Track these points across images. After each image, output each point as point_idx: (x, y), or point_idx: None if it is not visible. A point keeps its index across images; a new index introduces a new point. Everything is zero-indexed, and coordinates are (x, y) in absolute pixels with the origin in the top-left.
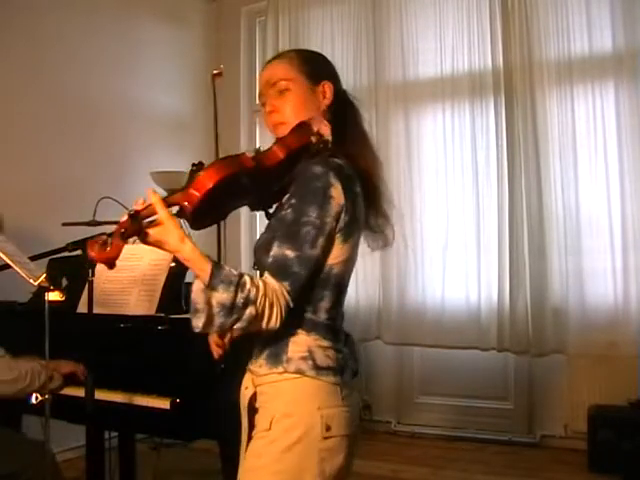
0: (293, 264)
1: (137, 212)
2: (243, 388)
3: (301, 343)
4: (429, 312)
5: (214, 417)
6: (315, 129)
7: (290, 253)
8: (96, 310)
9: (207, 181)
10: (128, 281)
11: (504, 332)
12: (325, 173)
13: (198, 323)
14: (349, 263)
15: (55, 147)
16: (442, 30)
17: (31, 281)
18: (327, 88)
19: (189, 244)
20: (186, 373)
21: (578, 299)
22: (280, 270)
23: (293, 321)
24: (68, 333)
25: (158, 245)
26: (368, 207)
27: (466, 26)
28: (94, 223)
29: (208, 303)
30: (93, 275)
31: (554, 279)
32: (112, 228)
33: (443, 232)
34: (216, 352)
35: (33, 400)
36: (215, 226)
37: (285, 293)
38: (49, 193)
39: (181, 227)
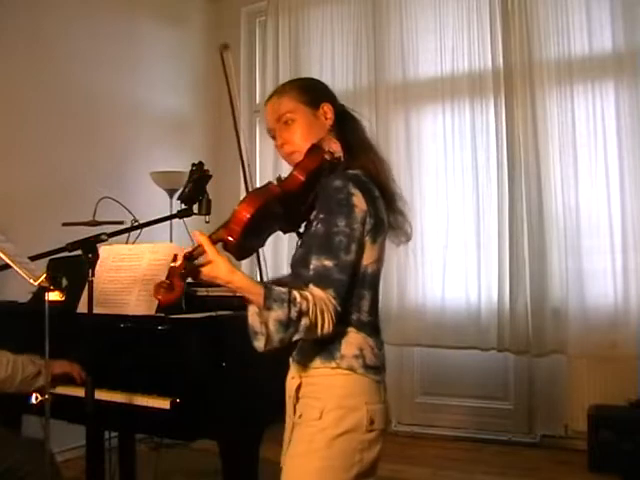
0: (333, 272)
1: (191, 254)
2: (289, 378)
3: (353, 342)
4: (429, 312)
5: (214, 417)
6: (326, 148)
7: (329, 263)
8: (96, 310)
9: (244, 214)
10: (128, 281)
11: (504, 332)
12: (345, 185)
13: (260, 345)
14: (380, 262)
15: (55, 147)
16: (442, 30)
17: (31, 281)
18: (327, 109)
19: (239, 274)
20: (186, 373)
21: (578, 299)
22: (323, 279)
23: (343, 322)
24: (68, 333)
25: (211, 280)
26: (387, 207)
27: (466, 26)
28: (94, 223)
29: (265, 324)
30: (93, 275)
31: (554, 279)
32: (112, 228)
33: (443, 232)
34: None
35: (33, 400)
36: None
37: (332, 299)
38: (49, 193)
39: (229, 260)
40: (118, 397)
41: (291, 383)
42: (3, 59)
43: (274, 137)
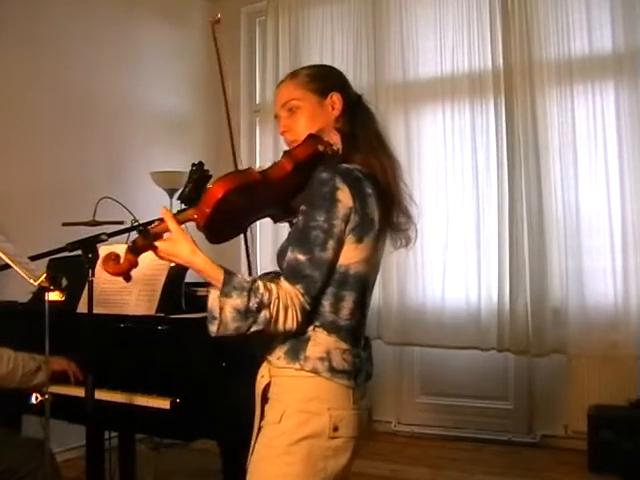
0: (305, 267)
1: (145, 228)
2: (259, 376)
3: (321, 343)
4: (429, 312)
5: (214, 417)
6: (325, 139)
7: (302, 257)
8: (96, 310)
9: (215, 195)
10: None
11: (504, 332)
12: (331, 178)
13: (213, 328)
14: (369, 263)
15: (55, 147)
16: (442, 30)
17: (31, 281)
18: (336, 99)
19: (200, 255)
20: (186, 373)
21: (578, 299)
22: (293, 274)
23: (315, 321)
24: (68, 333)
25: (171, 259)
26: (388, 205)
27: (466, 26)
28: (94, 223)
29: (222, 309)
30: (93, 275)
31: (554, 279)
32: (112, 228)
33: (443, 232)
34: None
35: (33, 400)
36: (241, 237)
37: (299, 295)
38: (49, 193)
39: (193, 241)
40: (118, 397)
41: (260, 382)
42: (2, 59)
43: (279, 123)
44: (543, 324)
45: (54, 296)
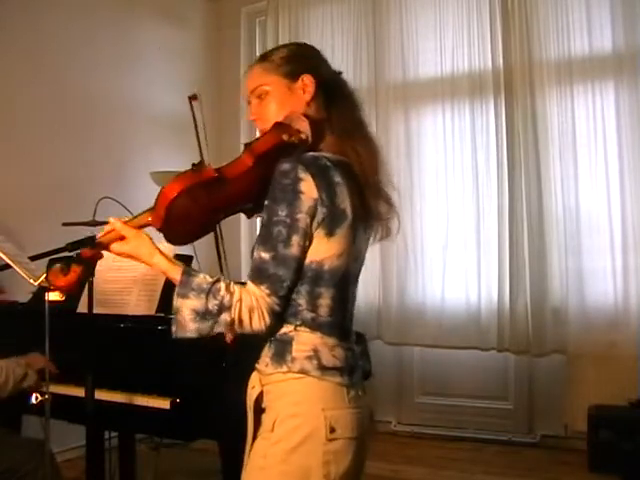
0: (269, 266)
1: (92, 237)
2: (250, 387)
3: (306, 342)
4: (429, 312)
5: (214, 417)
6: (295, 127)
7: (265, 255)
8: (96, 310)
9: (167, 196)
10: (128, 281)
11: (504, 332)
12: (293, 169)
13: (172, 328)
14: (345, 257)
15: (55, 147)
16: (442, 30)
17: (31, 281)
18: (307, 82)
19: (158, 257)
20: (186, 373)
21: (578, 299)
22: (258, 273)
23: (294, 321)
24: (68, 333)
25: (131, 259)
26: (364, 193)
27: (466, 26)
28: (94, 223)
29: (179, 310)
30: (93, 275)
31: (554, 279)
32: None
33: (443, 232)
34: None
35: (33, 400)
36: (212, 234)
37: (265, 297)
38: (49, 193)
39: (152, 242)
40: (118, 397)
41: (251, 393)
42: (2, 59)
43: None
44: (543, 324)
45: (54, 296)
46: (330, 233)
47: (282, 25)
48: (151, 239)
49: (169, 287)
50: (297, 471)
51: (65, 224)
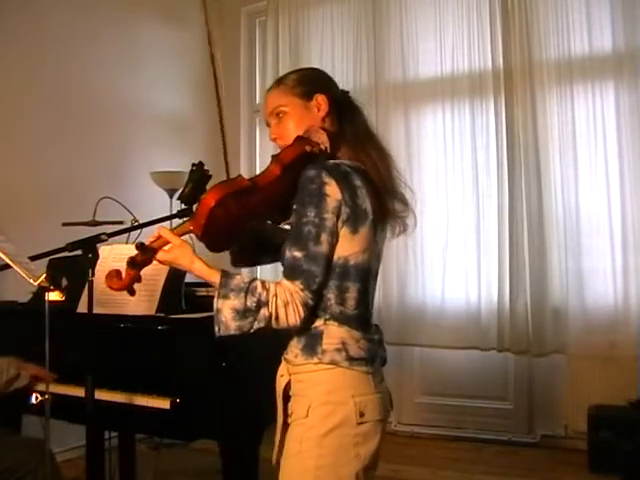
0: (302, 263)
1: (143, 244)
2: (279, 376)
3: (334, 335)
4: (429, 312)
5: (214, 417)
6: (314, 139)
7: (297, 254)
8: (96, 310)
9: (207, 205)
10: None
11: (504, 332)
12: (318, 174)
13: (216, 329)
14: (368, 253)
15: (55, 147)
16: (442, 30)
17: (31, 281)
18: (321, 100)
19: (198, 263)
20: (186, 373)
21: (578, 299)
22: (292, 271)
23: (324, 315)
24: (68, 333)
25: (172, 265)
26: (382, 196)
27: (466, 26)
28: (94, 223)
29: (220, 310)
30: (93, 275)
31: (554, 279)
32: (112, 228)
33: (443, 232)
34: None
35: (33, 400)
36: None
37: (300, 291)
38: (49, 193)
39: (193, 250)
40: (118, 397)
41: (280, 381)
42: (2, 59)
43: (270, 130)
44: (543, 324)
45: (54, 296)
46: (354, 230)
47: (282, 25)
48: (193, 248)
49: (169, 287)
50: (331, 453)
51: (65, 224)
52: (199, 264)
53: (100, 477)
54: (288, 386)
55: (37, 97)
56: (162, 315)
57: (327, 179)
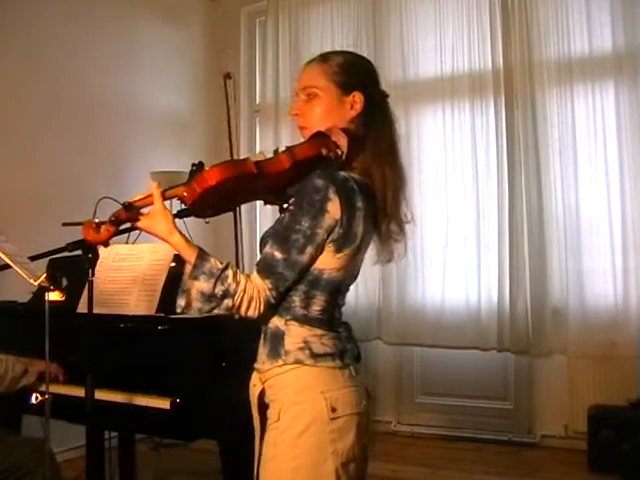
0: (279, 265)
1: (130, 203)
2: (251, 386)
3: (296, 335)
4: (429, 312)
5: (214, 417)
6: (333, 139)
7: (278, 254)
8: (96, 310)
9: (209, 179)
10: (128, 281)
11: (504, 332)
12: (325, 187)
13: (180, 302)
14: (344, 272)
15: (55, 147)
16: (442, 30)
17: (31, 281)
18: (358, 99)
19: (177, 236)
20: (186, 373)
21: (578, 299)
22: (266, 268)
23: (286, 315)
24: (68, 333)
25: (148, 232)
26: (378, 218)
27: (466, 26)
28: None
29: (189, 289)
30: (93, 275)
31: (554, 279)
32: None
33: (443, 232)
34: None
35: (33, 400)
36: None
37: (266, 290)
38: (49, 193)
39: (173, 221)
40: (118, 397)
41: (253, 391)
42: (1, 59)
43: (295, 101)
44: (543, 324)
45: (54, 296)
46: (339, 250)
47: (282, 25)
48: (173, 219)
49: (169, 287)
50: (307, 453)
51: (65, 224)
52: (177, 237)
53: (100, 477)
54: (263, 394)
55: (37, 97)
56: (162, 315)
57: (332, 195)
